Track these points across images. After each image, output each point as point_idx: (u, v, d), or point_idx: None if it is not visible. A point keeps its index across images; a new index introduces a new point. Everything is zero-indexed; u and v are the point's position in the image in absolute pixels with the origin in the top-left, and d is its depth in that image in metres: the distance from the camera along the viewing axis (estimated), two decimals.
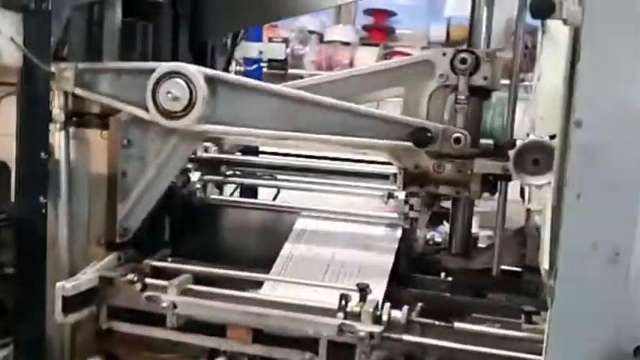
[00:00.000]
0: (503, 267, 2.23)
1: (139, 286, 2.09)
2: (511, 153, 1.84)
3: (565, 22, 1.41)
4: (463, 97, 2.05)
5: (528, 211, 2.52)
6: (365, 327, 1.85)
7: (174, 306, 2.01)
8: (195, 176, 2.60)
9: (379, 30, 6.47)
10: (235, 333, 2.08)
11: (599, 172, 1.24)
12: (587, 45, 1.27)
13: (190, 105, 2.08)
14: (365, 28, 6.55)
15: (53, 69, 2.10)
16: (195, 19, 2.59)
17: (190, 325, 2.10)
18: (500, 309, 2.05)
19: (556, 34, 2.88)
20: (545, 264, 1.54)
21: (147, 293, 2.05)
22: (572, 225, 1.25)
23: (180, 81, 2.08)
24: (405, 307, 1.89)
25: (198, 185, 2.57)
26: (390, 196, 2.39)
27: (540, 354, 1.35)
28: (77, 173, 2.29)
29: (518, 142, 1.85)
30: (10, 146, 2.36)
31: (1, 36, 1.90)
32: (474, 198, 2.13)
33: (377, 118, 2.07)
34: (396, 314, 1.88)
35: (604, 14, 1.27)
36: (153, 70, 2.14)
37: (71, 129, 2.26)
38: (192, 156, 2.59)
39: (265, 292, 2.12)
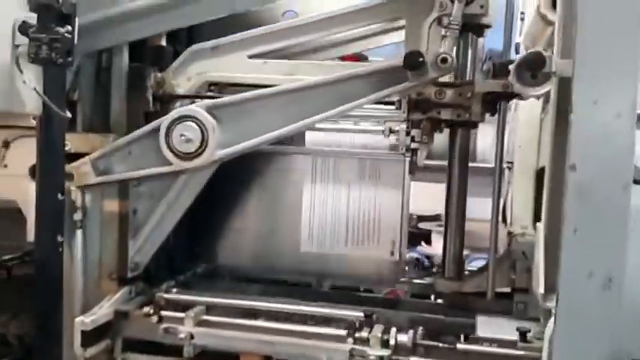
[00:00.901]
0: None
1: (155, 318, 2.20)
2: (512, 67, 2.00)
3: (554, 74, 1.61)
4: (456, 22, 2.04)
5: (510, 234, 2.72)
6: (374, 351, 2.00)
7: (192, 337, 2.12)
8: None
9: None
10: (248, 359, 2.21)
11: (592, 209, 1.42)
12: (578, 95, 1.45)
13: (204, 140, 2.19)
14: None
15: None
16: None
17: (204, 354, 2.22)
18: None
19: None
20: (540, 288, 1.71)
21: (164, 325, 2.16)
22: (570, 256, 1.43)
23: (189, 122, 2.20)
24: (411, 331, 2.04)
25: None
26: (391, 130, 2.49)
27: None
28: (90, 212, 2.39)
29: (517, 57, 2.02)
30: (21, 186, 2.47)
31: (26, 87, 2.00)
32: (475, 120, 2.25)
33: (370, 74, 2.16)
34: (402, 338, 2.03)
35: (593, 66, 1.45)
36: (156, 129, 2.26)
37: None
38: None
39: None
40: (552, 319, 1.55)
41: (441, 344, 2.03)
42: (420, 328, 2.13)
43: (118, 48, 2.43)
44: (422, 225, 4.74)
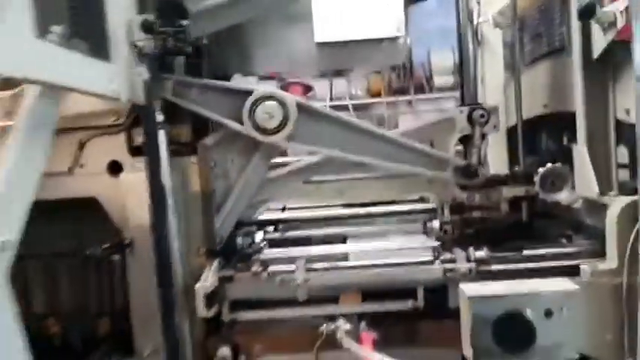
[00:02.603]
0: None
1: (265, 275, 2.51)
2: (537, 179, 2.57)
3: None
4: (479, 141, 2.74)
5: None
6: (463, 265, 2.45)
7: (306, 281, 2.46)
8: (258, 236, 3.04)
9: None
10: (348, 298, 2.58)
11: None
12: None
13: (282, 124, 2.56)
14: None
15: None
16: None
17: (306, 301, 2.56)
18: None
19: (494, 44, 3.73)
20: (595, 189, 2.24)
21: (279, 277, 2.48)
22: None
23: (275, 103, 2.55)
24: (485, 248, 2.51)
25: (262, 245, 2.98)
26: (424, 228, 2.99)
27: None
28: (176, 195, 2.66)
29: (540, 170, 2.59)
30: (99, 182, 2.69)
31: (139, 79, 2.25)
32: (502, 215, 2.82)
33: (419, 151, 2.73)
34: (480, 253, 2.50)
35: None
36: (238, 92, 2.59)
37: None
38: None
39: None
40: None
41: (508, 253, 2.52)
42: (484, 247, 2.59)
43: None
44: None
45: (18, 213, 1.52)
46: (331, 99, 7.20)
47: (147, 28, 2.19)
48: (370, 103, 8.24)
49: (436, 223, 2.91)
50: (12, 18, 1.40)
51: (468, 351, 2.11)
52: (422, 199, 3.10)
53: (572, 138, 2.76)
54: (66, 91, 1.78)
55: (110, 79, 2.02)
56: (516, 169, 2.94)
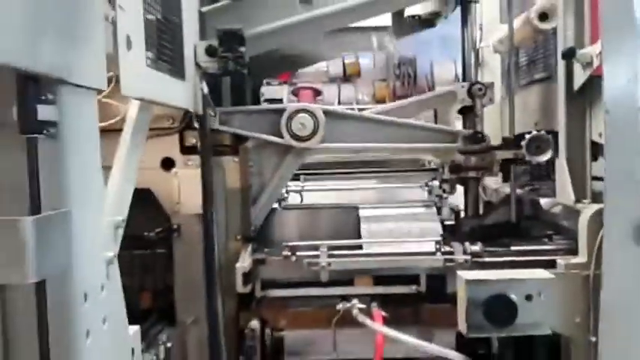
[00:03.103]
0: None
1: (294, 258, 2.99)
2: (523, 143, 3.04)
3: (577, 60, 2.63)
4: (480, 111, 3.23)
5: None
6: (461, 256, 2.94)
7: (329, 265, 2.94)
8: None
9: None
10: (361, 281, 3.07)
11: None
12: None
13: (314, 131, 3.05)
14: None
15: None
16: None
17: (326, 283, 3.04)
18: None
19: (492, 66, 4.22)
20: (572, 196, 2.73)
21: (306, 260, 2.96)
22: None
23: (306, 115, 3.04)
24: (479, 243, 3.00)
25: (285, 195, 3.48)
26: (427, 185, 3.50)
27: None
28: (217, 190, 3.13)
29: (527, 136, 3.06)
30: (153, 176, 3.15)
31: (199, 93, 2.73)
32: (494, 176, 3.34)
33: (430, 130, 3.21)
34: (475, 247, 2.98)
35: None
36: (274, 110, 3.08)
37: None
38: None
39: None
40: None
41: (499, 248, 3.01)
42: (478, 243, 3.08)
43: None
44: None
45: (127, 199, 2.00)
46: (339, 103, 7.66)
47: (210, 52, 2.66)
48: None
49: (436, 183, 3.40)
50: (135, 50, 1.88)
51: (462, 325, 2.60)
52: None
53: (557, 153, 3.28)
54: (156, 104, 2.24)
55: (183, 94, 2.49)
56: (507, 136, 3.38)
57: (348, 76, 7.50)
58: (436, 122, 3.45)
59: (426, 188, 3.53)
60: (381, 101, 8.74)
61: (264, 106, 3.18)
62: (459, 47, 3.58)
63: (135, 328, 2.07)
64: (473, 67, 3.63)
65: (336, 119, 3.13)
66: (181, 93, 2.45)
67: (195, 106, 2.71)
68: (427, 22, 3.82)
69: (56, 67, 1.38)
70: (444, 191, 3.36)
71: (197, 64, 2.72)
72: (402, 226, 3.33)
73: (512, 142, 3.23)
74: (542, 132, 3.08)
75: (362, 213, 3.42)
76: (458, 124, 3.58)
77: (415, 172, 3.71)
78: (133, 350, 2.05)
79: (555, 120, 3.12)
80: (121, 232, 1.90)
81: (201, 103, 2.79)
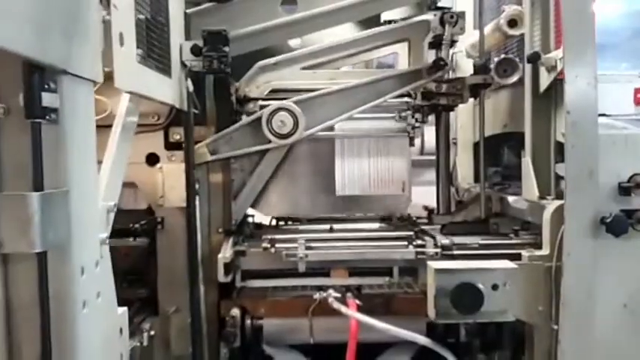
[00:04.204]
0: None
1: (273, 250, 3.13)
2: (492, 66, 3.23)
3: (542, 64, 2.81)
4: (448, 40, 3.35)
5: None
6: (431, 249, 3.10)
7: (306, 256, 3.09)
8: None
9: None
10: (337, 273, 3.22)
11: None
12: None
13: (295, 124, 3.19)
14: None
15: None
16: None
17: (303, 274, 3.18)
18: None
19: (465, 71, 4.39)
20: (536, 192, 2.91)
21: (285, 252, 3.10)
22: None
23: (283, 112, 3.18)
24: (450, 236, 3.17)
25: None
26: (400, 116, 3.57)
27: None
28: (201, 184, 3.26)
29: (495, 60, 3.24)
30: (138, 170, 3.26)
31: (185, 91, 2.87)
32: (464, 102, 3.52)
33: (397, 75, 3.37)
34: (445, 241, 3.15)
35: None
36: (256, 119, 3.23)
37: None
38: None
39: None
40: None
41: (468, 242, 3.18)
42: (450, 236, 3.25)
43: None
44: None
45: (118, 186, 2.13)
46: None
47: (195, 51, 2.80)
48: None
49: (409, 112, 3.51)
50: (127, 46, 2.01)
51: (431, 312, 2.75)
52: None
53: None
54: (144, 99, 2.38)
55: (170, 91, 2.63)
56: (477, 61, 3.51)
57: None
58: (409, 54, 3.57)
59: (399, 117, 3.59)
60: None
61: (241, 122, 3.28)
62: None
63: (123, 309, 2.20)
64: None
65: (310, 103, 3.27)
66: (168, 89, 2.58)
67: (181, 103, 2.85)
68: None
69: (59, 58, 1.52)
70: (416, 120, 3.47)
71: (182, 63, 2.85)
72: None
73: (481, 67, 3.37)
74: (510, 55, 3.26)
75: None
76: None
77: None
78: (121, 330, 2.18)
79: (521, 122, 3.29)
80: (112, 216, 2.03)
81: (185, 100, 2.93)
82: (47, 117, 1.52)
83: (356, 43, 3.48)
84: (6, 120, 1.55)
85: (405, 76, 3.38)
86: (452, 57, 4.16)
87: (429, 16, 3.40)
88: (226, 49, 2.81)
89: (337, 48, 3.49)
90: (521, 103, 3.29)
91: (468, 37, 4.05)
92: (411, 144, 3.58)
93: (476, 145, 4.32)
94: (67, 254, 1.56)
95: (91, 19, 1.70)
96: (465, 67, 4.44)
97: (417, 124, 3.54)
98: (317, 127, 3.28)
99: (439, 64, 3.23)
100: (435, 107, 3.51)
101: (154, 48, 2.39)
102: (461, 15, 3.36)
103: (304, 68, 3.48)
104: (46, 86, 1.51)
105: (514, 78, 3.23)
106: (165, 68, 2.52)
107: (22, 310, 1.59)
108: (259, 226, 3.74)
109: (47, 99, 1.49)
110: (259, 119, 3.21)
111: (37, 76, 1.47)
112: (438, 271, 2.71)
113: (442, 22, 3.33)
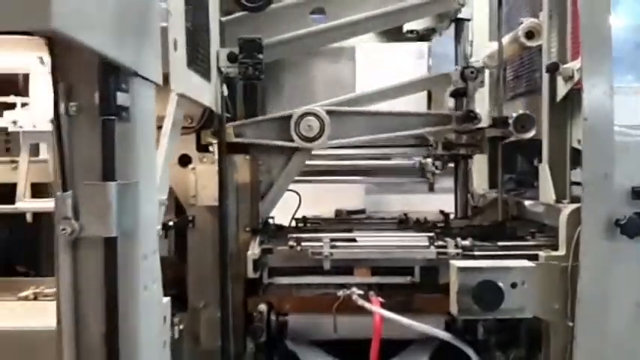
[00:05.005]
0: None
1: (299, 248, 3.27)
2: (511, 121, 3.37)
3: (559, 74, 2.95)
4: (472, 92, 3.56)
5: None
6: (452, 250, 3.23)
7: (331, 254, 3.23)
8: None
9: None
10: (360, 271, 3.36)
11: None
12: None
13: (321, 131, 3.34)
14: None
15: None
16: None
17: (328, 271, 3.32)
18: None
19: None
20: (552, 196, 3.05)
21: (311, 250, 3.24)
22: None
23: (312, 117, 3.34)
24: (470, 238, 3.30)
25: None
26: (420, 163, 3.78)
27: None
28: (229, 185, 3.40)
29: (512, 116, 3.38)
30: (171, 171, 3.40)
31: (219, 95, 3.02)
32: (483, 153, 3.71)
33: (426, 115, 3.54)
34: (465, 242, 3.28)
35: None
36: (281, 117, 3.38)
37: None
38: None
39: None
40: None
41: (487, 243, 3.31)
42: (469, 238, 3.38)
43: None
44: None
45: (167, 182, 2.28)
46: None
47: (232, 58, 2.95)
48: None
49: (429, 160, 3.67)
50: (180, 51, 2.17)
51: (454, 308, 2.89)
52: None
53: (540, 160, 3.60)
54: (188, 102, 2.53)
55: (209, 94, 2.78)
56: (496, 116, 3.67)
57: None
58: (429, 102, 3.76)
59: (419, 164, 3.77)
60: None
61: (271, 115, 3.45)
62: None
63: (167, 299, 2.34)
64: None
65: (338, 117, 3.42)
66: (208, 93, 2.73)
67: (217, 107, 3.00)
68: (423, 37, 4.14)
69: (132, 61, 1.67)
70: (436, 167, 3.64)
71: (219, 69, 3.00)
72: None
73: (500, 121, 3.52)
74: (527, 112, 3.41)
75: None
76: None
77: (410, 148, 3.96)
78: (165, 318, 2.32)
79: (539, 129, 3.44)
80: (164, 209, 2.18)
81: (219, 104, 3.08)
82: (120, 115, 1.67)
83: (380, 94, 3.61)
84: (78, 117, 1.70)
85: (433, 117, 3.58)
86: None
87: (451, 71, 3.62)
88: (261, 56, 2.95)
89: (362, 99, 3.63)
90: (535, 112, 3.43)
91: (484, 48, 4.20)
92: (431, 189, 3.74)
93: (492, 153, 4.44)
94: (134, 241, 1.71)
95: (156, 25, 1.85)
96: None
97: (438, 171, 3.69)
98: (341, 140, 3.45)
99: (470, 117, 3.44)
100: (454, 156, 3.66)
101: (198, 54, 2.54)
102: (481, 70, 3.58)
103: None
104: (120, 86, 1.65)
105: (531, 133, 3.38)
106: (206, 73, 2.67)
107: (89, 291, 1.73)
108: (280, 227, 3.88)
109: (121, 98, 1.64)
110: (289, 118, 3.35)
111: (113, 77, 1.62)
112: (461, 269, 2.85)
113: (463, 77, 3.54)
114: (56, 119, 1.68)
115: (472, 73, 3.50)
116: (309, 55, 3.81)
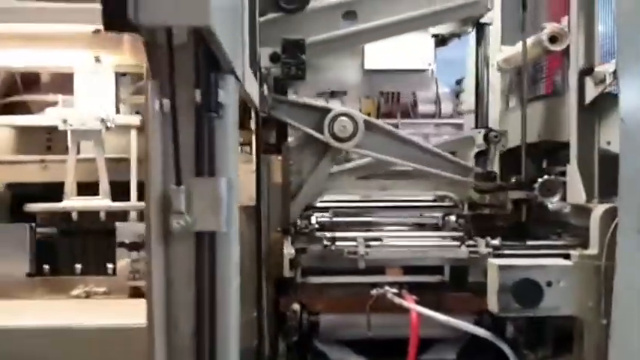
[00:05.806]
0: None
1: (334, 247, 3.30)
2: (536, 186, 3.43)
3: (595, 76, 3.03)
4: (493, 155, 3.71)
5: None
6: (484, 249, 3.29)
7: (367, 254, 3.26)
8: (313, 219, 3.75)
9: None
10: (392, 271, 3.40)
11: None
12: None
13: (353, 135, 3.38)
14: None
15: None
16: None
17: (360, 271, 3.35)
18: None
19: (493, 84, 4.62)
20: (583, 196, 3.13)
21: (347, 249, 3.27)
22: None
23: (347, 119, 3.37)
24: (499, 237, 3.36)
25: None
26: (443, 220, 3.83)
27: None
28: (264, 185, 3.41)
29: (539, 180, 3.45)
30: None
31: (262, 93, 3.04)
32: (507, 213, 3.74)
33: (449, 160, 3.62)
34: (495, 241, 3.35)
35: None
36: (319, 108, 3.42)
37: None
38: None
39: None
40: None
41: (516, 242, 3.38)
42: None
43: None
44: None
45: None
46: None
47: (274, 58, 2.97)
48: None
49: (453, 217, 3.74)
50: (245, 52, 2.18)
51: (494, 306, 2.94)
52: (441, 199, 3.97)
53: (552, 163, 3.70)
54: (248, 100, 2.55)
55: (256, 94, 2.80)
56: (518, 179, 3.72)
57: (334, 92, 7.84)
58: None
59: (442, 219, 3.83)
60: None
61: (311, 102, 3.48)
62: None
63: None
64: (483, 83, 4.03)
65: (370, 129, 3.46)
66: (255, 92, 2.75)
67: (260, 106, 3.02)
68: (442, 42, 4.20)
69: (232, 59, 1.69)
70: (459, 225, 3.70)
71: (260, 69, 3.02)
72: None
73: (525, 184, 3.59)
74: (553, 176, 3.46)
75: None
76: None
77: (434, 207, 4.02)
78: None
79: (560, 131, 3.52)
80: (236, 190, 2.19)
81: (261, 103, 3.10)
82: (218, 112, 1.68)
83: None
84: (177, 113, 1.70)
85: (457, 166, 3.67)
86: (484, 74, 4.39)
87: (474, 134, 3.80)
88: (303, 56, 2.98)
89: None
90: (555, 114, 3.51)
91: (499, 52, 4.29)
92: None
93: (502, 154, 4.52)
94: (232, 234, 1.72)
95: (245, 22, 1.87)
96: (493, 82, 4.67)
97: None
98: (368, 151, 3.51)
99: (490, 177, 3.58)
100: (478, 216, 3.78)
101: (251, 54, 2.55)
102: (504, 133, 3.75)
103: None
104: (219, 84, 1.67)
105: (556, 198, 3.44)
106: (255, 72, 2.68)
107: (181, 284, 1.73)
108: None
109: (221, 95, 1.66)
110: (325, 112, 3.41)
111: (214, 75, 1.64)
112: (502, 267, 2.90)
113: (486, 139, 3.68)
114: (153, 116, 1.68)
115: (495, 137, 3.62)
116: None
